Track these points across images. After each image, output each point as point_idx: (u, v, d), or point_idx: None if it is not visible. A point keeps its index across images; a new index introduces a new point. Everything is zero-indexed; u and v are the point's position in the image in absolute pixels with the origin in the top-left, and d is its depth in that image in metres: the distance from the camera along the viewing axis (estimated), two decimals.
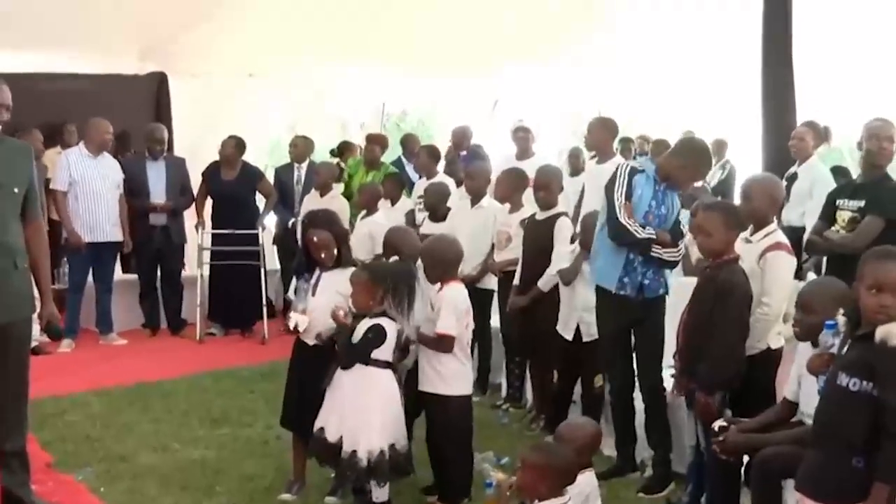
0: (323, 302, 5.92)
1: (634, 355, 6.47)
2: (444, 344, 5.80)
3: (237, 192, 11.20)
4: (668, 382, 6.23)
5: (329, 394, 5.72)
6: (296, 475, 6.17)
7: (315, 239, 6.04)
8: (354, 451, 5.54)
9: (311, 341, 5.96)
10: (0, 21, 10.24)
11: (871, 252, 4.33)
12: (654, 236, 6.23)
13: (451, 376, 5.87)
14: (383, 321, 5.67)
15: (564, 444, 4.99)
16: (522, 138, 10.76)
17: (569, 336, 7.22)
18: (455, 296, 5.91)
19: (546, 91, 16.53)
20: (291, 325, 6.05)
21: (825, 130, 10.06)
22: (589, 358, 7.09)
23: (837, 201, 7.12)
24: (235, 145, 11.24)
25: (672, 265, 6.35)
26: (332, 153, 13.63)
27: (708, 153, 6.52)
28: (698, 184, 8.95)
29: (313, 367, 5.89)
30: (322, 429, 5.67)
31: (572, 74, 15.74)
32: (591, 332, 7.03)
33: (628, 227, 6.22)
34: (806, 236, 8.07)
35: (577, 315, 7.16)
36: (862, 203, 6.86)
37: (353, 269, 5.95)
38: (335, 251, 6.02)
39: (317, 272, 6.08)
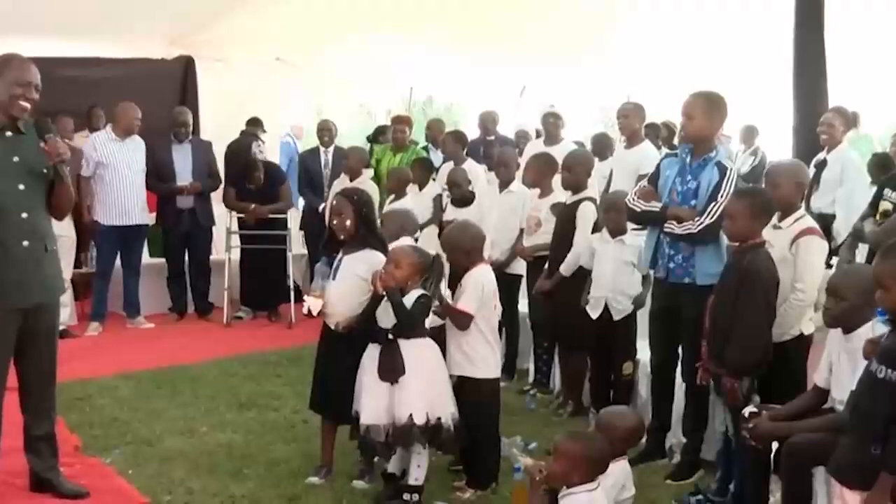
0: (343, 287, 5.89)
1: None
2: (462, 320, 5.80)
3: (261, 196, 11.10)
4: None
5: (368, 375, 5.67)
6: (324, 459, 6.15)
7: (334, 203, 6.02)
8: (411, 416, 5.53)
9: (332, 325, 5.94)
10: (29, 6, 10.27)
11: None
12: (654, 209, 6.23)
13: (479, 359, 5.87)
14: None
15: (603, 432, 4.97)
16: (553, 124, 10.70)
17: (594, 314, 7.19)
18: (480, 277, 5.90)
19: (573, 78, 16.48)
20: (305, 310, 6.04)
21: (854, 116, 9.98)
22: (617, 338, 7.11)
23: (884, 190, 7.06)
24: (255, 164, 11.16)
25: (685, 239, 6.09)
26: (369, 139, 13.63)
27: (718, 99, 6.33)
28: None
29: (341, 350, 5.86)
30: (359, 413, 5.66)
31: (600, 62, 15.69)
32: (619, 312, 7.07)
33: (627, 203, 6.41)
34: (836, 223, 8.05)
35: (604, 295, 7.13)
36: None
37: (376, 252, 5.91)
38: (349, 224, 5.90)
39: (339, 255, 6.02)
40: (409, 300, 5.63)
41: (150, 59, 12.91)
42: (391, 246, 6.10)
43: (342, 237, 5.94)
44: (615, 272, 7.06)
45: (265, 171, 11.14)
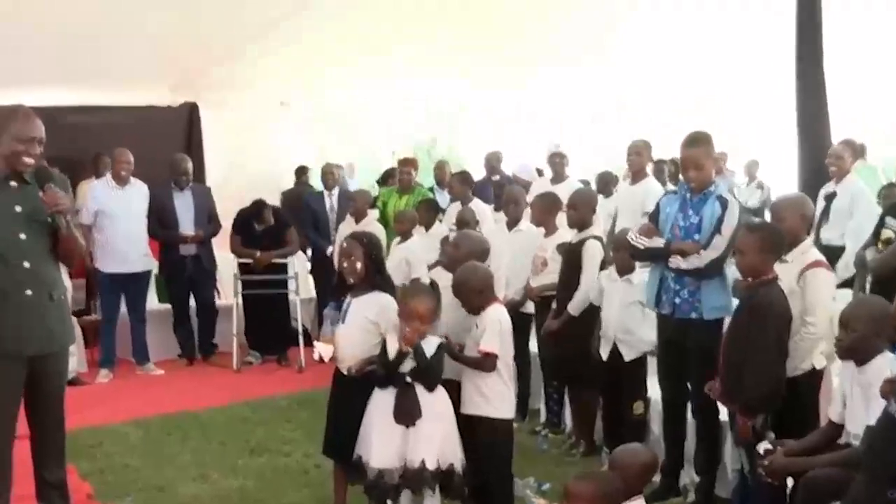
0: (353, 331, 5.88)
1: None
2: (487, 363, 5.79)
3: (268, 242, 11.14)
4: None
5: (379, 418, 5.64)
6: None
7: (344, 245, 6.01)
8: (423, 461, 5.50)
9: (343, 370, 5.92)
10: (35, 56, 10.33)
11: None
12: (656, 245, 6.24)
13: (495, 398, 5.85)
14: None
15: (617, 470, 4.94)
16: (558, 163, 10.71)
17: (605, 354, 7.15)
18: (497, 316, 5.89)
19: (578, 102, 16.56)
20: (316, 356, 6.04)
21: (861, 147, 10.01)
22: (627, 379, 7.05)
23: (886, 218, 7.07)
24: (268, 207, 11.22)
25: (692, 274, 6.12)
26: (379, 183, 13.73)
27: (709, 137, 6.35)
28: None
29: (354, 394, 5.81)
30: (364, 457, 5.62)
31: (605, 96, 15.79)
32: (630, 352, 7.01)
33: (630, 241, 6.42)
34: (846, 254, 8.05)
35: (612, 336, 7.09)
36: None
37: (385, 295, 5.90)
38: (360, 267, 5.90)
39: (347, 299, 6.01)
40: (429, 348, 5.64)
41: (155, 107, 12.98)
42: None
43: (352, 280, 5.93)
44: (623, 312, 7.02)
45: (273, 214, 11.18)
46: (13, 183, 5.42)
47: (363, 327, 5.84)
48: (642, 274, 6.92)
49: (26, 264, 5.39)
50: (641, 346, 7.00)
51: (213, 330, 11.29)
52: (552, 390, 8.19)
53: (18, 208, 5.40)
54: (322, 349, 5.95)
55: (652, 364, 6.90)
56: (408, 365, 5.62)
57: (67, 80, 11.32)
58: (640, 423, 7.01)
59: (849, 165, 9.49)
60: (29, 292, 5.40)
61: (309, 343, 10.71)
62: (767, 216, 12.81)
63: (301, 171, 14.08)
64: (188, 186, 11.03)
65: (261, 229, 11.04)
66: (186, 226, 10.89)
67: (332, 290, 6.40)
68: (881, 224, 7.19)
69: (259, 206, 11.06)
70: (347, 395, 5.89)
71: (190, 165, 11.14)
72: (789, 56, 10.24)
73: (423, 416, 5.55)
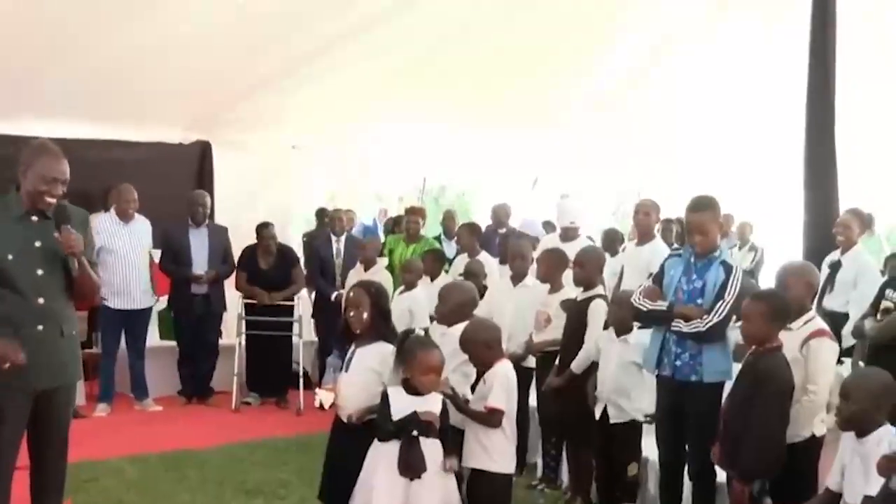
0: (355, 379, 5.90)
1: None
2: (493, 419, 5.81)
3: (273, 278, 11.22)
4: None
5: (382, 471, 5.58)
6: None
7: (351, 294, 6.02)
8: None
9: (344, 418, 5.91)
10: (50, 89, 10.41)
11: None
12: (660, 308, 6.27)
13: (497, 452, 5.86)
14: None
15: None
16: (571, 228, 10.58)
17: (598, 413, 7.12)
18: (506, 372, 5.93)
19: (584, 169, 16.63)
20: (317, 403, 6.04)
21: (869, 218, 10.02)
22: (620, 441, 7.01)
23: (886, 290, 7.10)
24: (273, 235, 11.30)
25: (693, 338, 6.12)
26: (387, 229, 13.82)
27: (716, 202, 6.38)
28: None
29: (352, 442, 5.80)
30: None
31: (611, 155, 15.86)
32: (620, 415, 6.96)
33: (633, 303, 6.46)
34: (849, 323, 8.06)
35: (605, 397, 7.06)
36: None
37: (389, 345, 5.89)
38: (367, 318, 5.93)
39: (352, 348, 6.02)
40: (436, 404, 5.66)
41: (168, 143, 13.01)
42: (442, 330, 6.25)
43: (358, 330, 5.96)
44: (618, 372, 6.97)
45: (279, 252, 11.25)
46: (34, 217, 5.47)
47: (366, 377, 5.86)
48: (639, 335, 6.94)
49: (41, 300, 5.43)
50: (631, 412, 6.95)
51: (212, 373, 11.32)
52: (550, 446, 8.18)
53: (38, 243, 5.44)
54: (324, 396, 5.98)
55: (650, 425, 6.89)
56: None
57: (80, 114, 11.36)
58: (634, 483, 6.97)
59: (856, 236, 9.51)
60: (40, 327, 5.43)
61: (308, 386, 10.72)
62: (761, 279, 12.92)
63: (322, 213, 14.21)
64: (205, 224, 11.10)
65: (266, 266, 11.11)
66: (200, 264, 10.97)
67: (337, 337, 6.40)
68: (881, 295, 7.22)
69: (260, 229, 11.20)
70: (346, 443, 5.89)
71: (208, 200, 11.24)
72: (798, 120, 10.28)
73: (426, 470, 5.53)
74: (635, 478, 6.95)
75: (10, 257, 5.33)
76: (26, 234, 5.43)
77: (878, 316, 7.09)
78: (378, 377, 5.83)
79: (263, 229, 11.27)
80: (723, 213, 6.70)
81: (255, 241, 11.34)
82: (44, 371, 5.46)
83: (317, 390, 6.13)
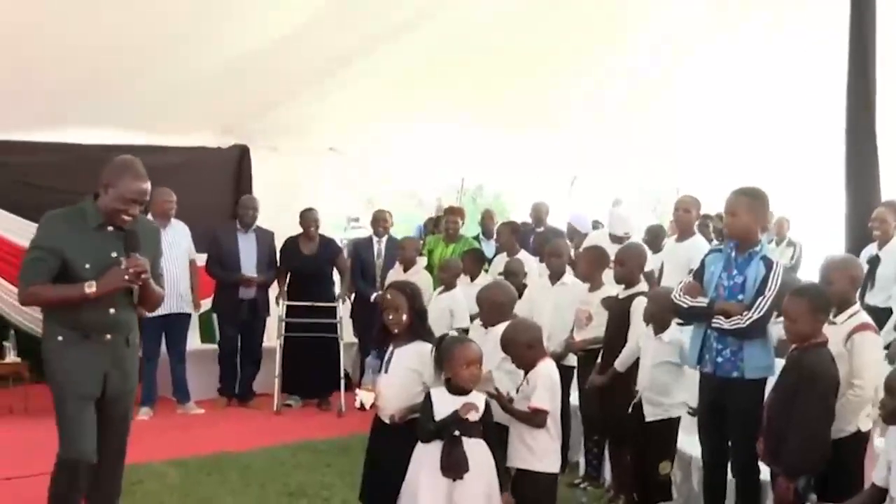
0: (394, 380, 5.91)
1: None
2: (538, 418, 5.82)
3: (317, 266, 11.32)
4: None
5: (425, 472, 5.58)
6: None
7: (388, 297, 6.03)
8: None
9: (385, 419, 5.92)
10: (89, 95, 10.47)
11: None
12: (700, 304, 6.22)
13: (542, 452, 5.87)
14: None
15: None
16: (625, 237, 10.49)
17: (629, 411, 7.08)
18: (549, 372, 5.94)
19: (624, 168, 16.57)
20: (357, 404, 6.04)
21: None
22: (653, 439, 6.97)
23: None
24: (316, 219, 11.36)
25: (734, 334, 6.08)
26: (426, 230, 13.84)
27: (761, 194, 6.37)
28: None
29: (392, 443, 5.82)
30: None
31: (650, 152, 15.78)
32: (654, 413, 6.92)
33: (674, 300, 6.40)
34: (894, 317, 7.96)
35: (641, 394, 7.03)
36: None
37: (427, 344, 5.92)
38: (405, 319, 5.95)
39: (390, 348, 6.03)
40: (479, 402, 5.66)
41: (206, 148, 13.06)
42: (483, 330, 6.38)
43: (396, 331, 5.97)
44: (654, 370, 6.94)
45: (321, 240, 11.41)
46: (110, 228, 5.62)
47: (405, 376, 5.87)
48: (674, 332, 6.91)
49: (112, 311, 5.63)
50: (667, 409, 6.91)
51: (255, 377, 11.36)
52: (592, 444, 8.14)
53: (114, 254, 5.60)
54: (364, 397, 5.93)
55: (692, 423, 6.84)
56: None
57: (118, 120, 11.44)
58: (666, 483, 6.92)
59: (892, 230, 9.45)
60: (109, 336, 5.66)
61: (350, 388, 10.73)
62: (799, 274, 12.79)
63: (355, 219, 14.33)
64: (252, 229, 11.16)
65: (308, 252, 11.16)
66: (248, 268, 11.06)
67: (374, 338, 6.42)
68: None
69: (304, 213, 11.34)
70: (386, 444, 5.92)
71: (258, 205, 11.30)
72: (837, 114, 10.19)
73: (471, 469, 5.52)
74: (667, 476, 6.91)
75: (87, 266, 5.51)
76: (103, 244, 5.60)
77: None
78: (417, 377, 5.86)
79: (307, 213, 11.36)
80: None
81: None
82: (111, 379, 5.70)
83: (357, 391, 6.08)
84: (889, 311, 8.73)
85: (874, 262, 9.25)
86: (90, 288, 5.47)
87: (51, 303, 5.67)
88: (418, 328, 6.02)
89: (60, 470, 5.67)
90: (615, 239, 10.27)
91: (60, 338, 5.62)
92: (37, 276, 5.54)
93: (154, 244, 5.93)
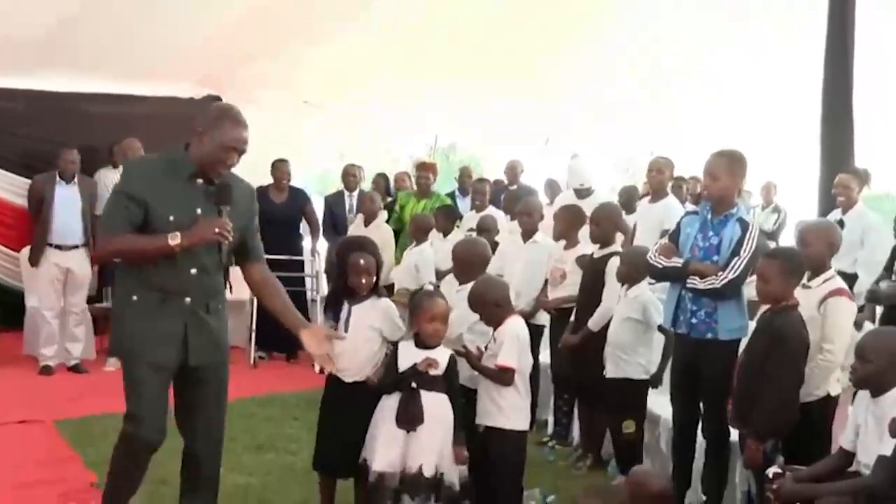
0: (357, 339, 5.84)
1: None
2: (505, 376, 5.80)
3: (286, 215, 11.29)
4: None
5: (383, 423, 5.63)
6: None
7: (362, 262, 5.92)
8: (420, 466, 5.53)
9: (348, 379, 5.85)
10: (62, 42, 10.35)
11: None
12: (675, 265, 6.22)
13: (510, 409, 5.86)
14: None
15: (632, 490, 4.92)
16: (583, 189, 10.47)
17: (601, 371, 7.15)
18: (516, 330, 5.91)
19: (597, 130, 16.54)
20: (316, 368, 5.99)
21: (865, 173, 9.97)
22: (615, 397, 7.02)
23: None
24: (288, 171, 11.30)
25: (708, 295, 6.07)
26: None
27: (740, 157, 6.33)
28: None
29: (352, 404, 5.78)
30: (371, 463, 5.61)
31: (623, 114, 15.75)
32: (614, 370, 6.98)
33: (649, 260, 6.41)
34: (858, 285, 7.99)
35: (608, 350, 7.08)
36: None
37: (384, 300, 5.97)
38: (373, 280, 5.95)
39: (345, 307, 5.95)
40: (443, 357, 5.67)
41: (179, 98, 12.94)
42: (456, 287, 6.45)
43: (364, 292, 5.92)
44: (618, 328, 7.01)
45: (291, 190, 11.52)
46: (199, 181, 5.11)
47: (366, 335, 5.84)
48: (642, 289, 6.97)
49: (193, 271, 5.09)
50: (626, 368, 6.96)
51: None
52: (562, 403, 8.17)
53: (199, 210, 5.07)
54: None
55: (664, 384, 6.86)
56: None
57: (91, 67, 11.31)
58: (630, 442, 6.94)
59: (856, 195, 9.54)
60: (188, 300, 5.12)
61: None
62: (782, 240, 12.85)
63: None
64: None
65: (279, 201, 11.12)
66: None
67: (328, 300, 6.35)
68: (893, 258, 7.12)
69: (276, 163, 11.51)
70: (344, 406, 5.86)
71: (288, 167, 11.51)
72: (817, 79, 10.20)
73: (427, 422, 5.55)
74: (631, 436, 6.91)
75: (171, 219, 4.97)
76: (189, 198, 5.05)
77: (894, 277, 6.99)
78: (378, 334, 5.86)
79: (279, 163, 11.46)
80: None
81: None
82: (192, 346, 5.16)
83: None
84: (854, 276, 8.77)
85: (839, 225, 9.28)
86: (174, 239, 4.90)
87: (130, 254, 5.09)
88: (375, 286, 6.00)
89: (120, 442, 5.34)
90: (578, 194, 10.24)
91: (135, 297, 5.08)
92: (119, 224, 4.99)
93: (249, 201, 5.36)
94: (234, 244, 5.22)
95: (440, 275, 9.05)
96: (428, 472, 5.51)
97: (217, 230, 4.98)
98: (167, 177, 5.05)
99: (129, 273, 5.16)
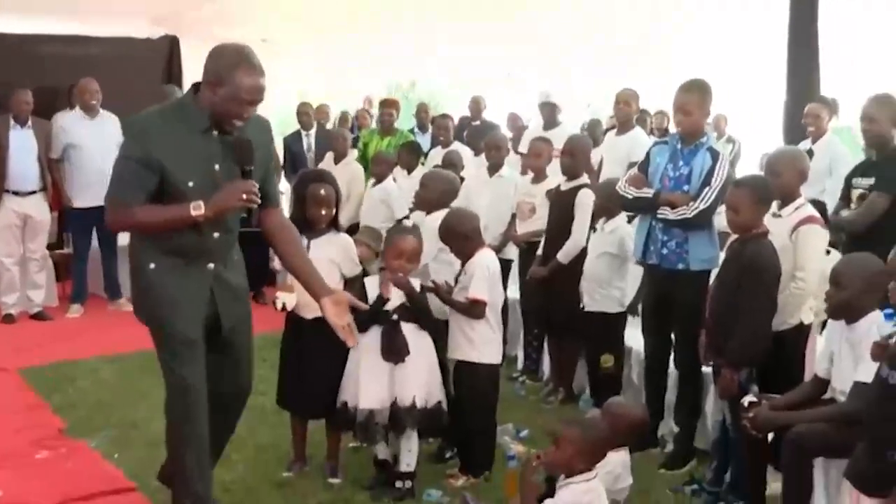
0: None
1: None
2: (476, 309, 5.76)
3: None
4: None
5: (365, 360, 5.58)
6: (297, 455, 6.07)
7: (322, 192, 5.78)
8: (414, 398, 5.52)
9: (308, 315, 5.72)
10: None
11: None
12: (646, 195, 6.18)
13: (482, 343, 5.83)
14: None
15: (608, 420, 4.91)
16: (549, 112, 10.39)
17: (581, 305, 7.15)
18: (486, 262, 5.87)
19: (558, 66, 16.49)
20: (279, 305, 5.88)
21: (834, 103, 9.97)
22: (591, 331, 7.03)
23: (853, 180, 7.01)
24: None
25: (679, 225, 6.04)
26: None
27: (707, 87, 6.27)
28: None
29: (314, 342, 5.69)
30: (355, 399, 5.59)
31: (585, 49, 15.71)
32: (592, 304, 7.01)
33: (619, 191, 6.37)
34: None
35: (584, 285, 7.08)
36: (872, 180, 6.71)
37: (343, 235, 5.91)
38: (333, 213, 5.85)
39: (304, 241, 5.68)
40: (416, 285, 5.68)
41: (135, 39, 12.74)
42: (421, 217, 6.46)
43: (323, 224, 5.83)
44: (594, 261, 7.02)
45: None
46: (215, 133, 4.64)
47: (326, 269, 5.65)
48: (618, 223, 6.97)
49: (216, 234, 4.72)
50: (604, 303, 6.97)
51: None
52: (532, 337, 8.14)
53: (217, 166, 4.64)
54: (286, 298, 5.76)
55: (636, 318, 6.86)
56: (393, 303, 5.59)
57: (45, 9, 11.08)
58: (609, 376, 6.93)
59: (825, 125, 9.54)
60: (211, 265, 4.79)
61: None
62: (738, 172, 12.87)
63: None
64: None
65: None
66: None
67: None
68: (848, 187, 7.11)
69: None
70: (306, 344, 5.83)
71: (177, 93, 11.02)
72: (783, 8, 10.17)
73: (412, 354, 5.52)
74: (609, 370, 6.92)
75: (190, 184, 4.53)
76: (206, 154, 4.61)
77: (853, 206, 6.98)
78: (337, 267, 5.77)
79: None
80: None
81: None
82: (223, 303, 4.87)
83: (277, 294, 5.85)
84: (822, 204, 8.77)
85: (808, 155, 9.28)
86: (197, 210, 4.48)
87: (149, 228, 4.63)
88: (334, 220, 5.90)
89: (173, 402, 4.90)
90: (546, 118, 10.16)
91: (153, 265, 4.67)
92: (132, 195, 4.51)
93: (266, 142, 4.97)
94: None
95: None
96: (420, 403, 5.52)
97: (245, 196, 4.57)
98: (178, 132, 4.55)
99: (143, 240, 4.75)
